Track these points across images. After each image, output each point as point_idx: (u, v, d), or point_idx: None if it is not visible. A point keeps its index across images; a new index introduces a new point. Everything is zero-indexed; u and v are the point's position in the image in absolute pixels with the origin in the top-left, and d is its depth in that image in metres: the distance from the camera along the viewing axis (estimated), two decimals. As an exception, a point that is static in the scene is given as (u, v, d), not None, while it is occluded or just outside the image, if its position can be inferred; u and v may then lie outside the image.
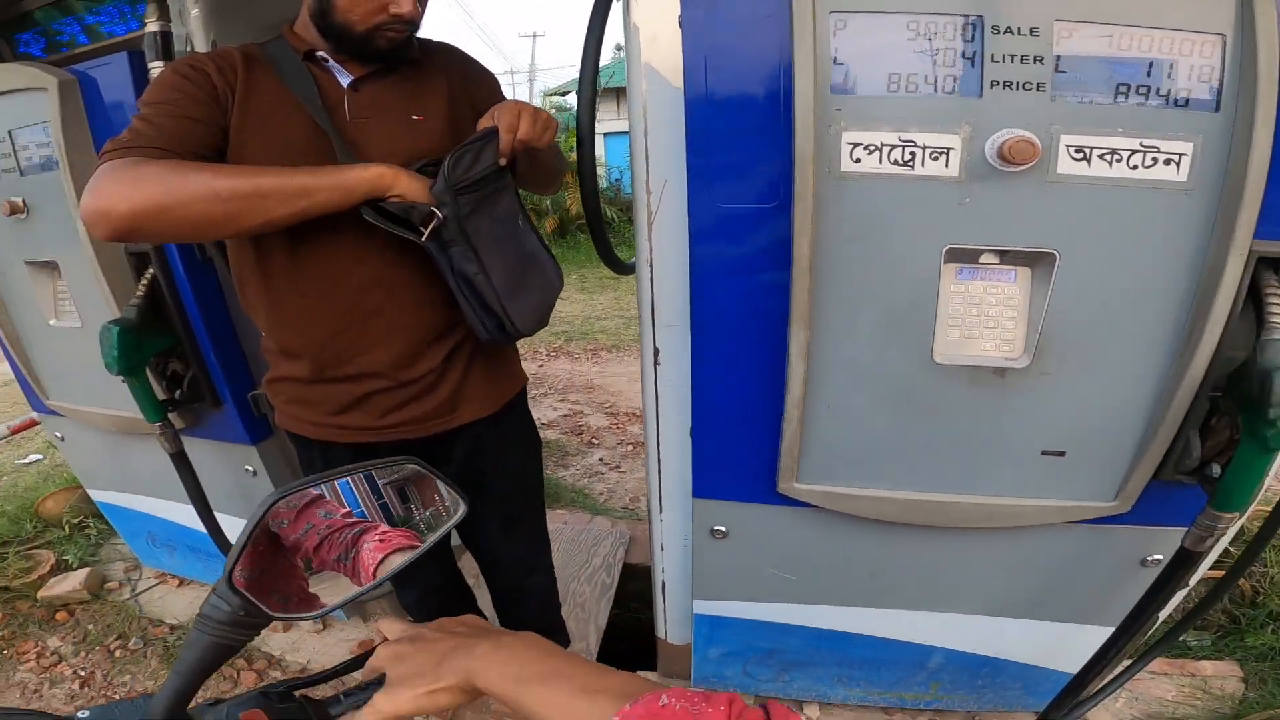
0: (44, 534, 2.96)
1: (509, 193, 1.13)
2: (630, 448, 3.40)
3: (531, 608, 1.72)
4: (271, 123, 1.08)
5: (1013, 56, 0.91)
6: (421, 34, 1.20)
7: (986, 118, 0.95)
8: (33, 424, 2.69)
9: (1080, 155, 0.97)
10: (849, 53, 0.93)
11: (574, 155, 1.33)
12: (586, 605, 2.25)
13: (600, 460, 3.31)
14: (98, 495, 2.44)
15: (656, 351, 1.28)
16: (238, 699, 0.58)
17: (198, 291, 1.60)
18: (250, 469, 1.83)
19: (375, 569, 0.59)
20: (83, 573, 2.63)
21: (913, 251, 1.06)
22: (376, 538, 0.59)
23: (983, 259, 1.10)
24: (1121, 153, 0.97)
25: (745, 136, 1.04)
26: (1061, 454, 1.22)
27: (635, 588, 2.37)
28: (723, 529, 1.39)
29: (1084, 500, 1.25)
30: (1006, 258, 1.09)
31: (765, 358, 1.16)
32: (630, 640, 2.20)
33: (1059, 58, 0.92)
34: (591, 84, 1.26)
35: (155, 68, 1.44)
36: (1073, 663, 1.43)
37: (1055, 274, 1.05)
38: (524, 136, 1.06)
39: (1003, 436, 1.22)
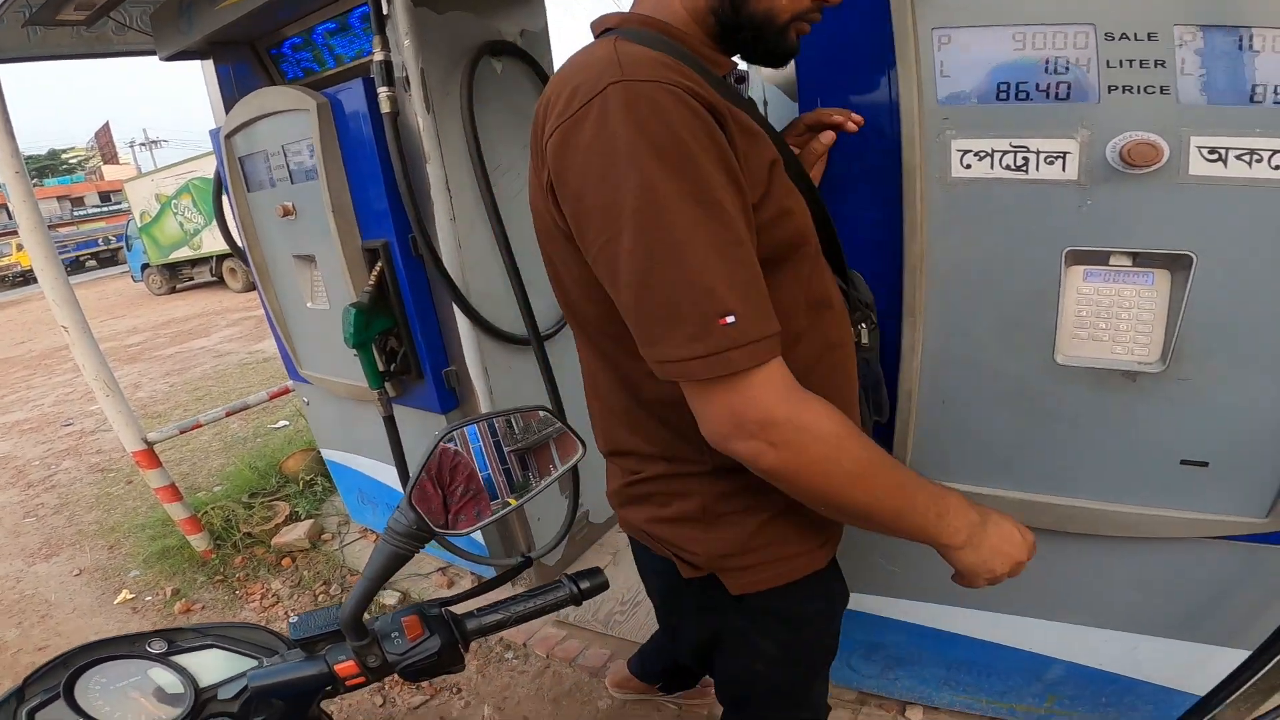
0: (284, 488, 3.58)
1: None
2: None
3: None
4: (765, 177, 0.74)
5: (1130, 61, 0.94)
6: None
7: (1106, 122, 0.98)
8: (286, 391, 3.31)
9: (1215, 156, 0.97)
10: (955, 65, 1.01)
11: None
12: None
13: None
14: (327, 454, 2.96)
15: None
16: (401, 610, 0.76)
17: (412, 282, 1.94)
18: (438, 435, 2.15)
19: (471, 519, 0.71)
20: (306, 524, 3.16)
21: (1029, 253, 1.09)
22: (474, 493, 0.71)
23: (1114, 261, 1.10)
24: (1262, 153, 0.95)
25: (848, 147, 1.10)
26: (1204, 464, 1.17)
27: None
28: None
29: (1229, 515, 1.19)
30: (1141, 260, 1.08)
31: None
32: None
33: (1183, 61, 0.93)
34: None
35: (383, 92, 1.72)
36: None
37: (1192, 277, 1.04)
38: None
39: (1136, 443, 1.19)
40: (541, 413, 0.74)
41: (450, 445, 0.68)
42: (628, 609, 2.35)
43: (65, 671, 0.72)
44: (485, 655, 2.28)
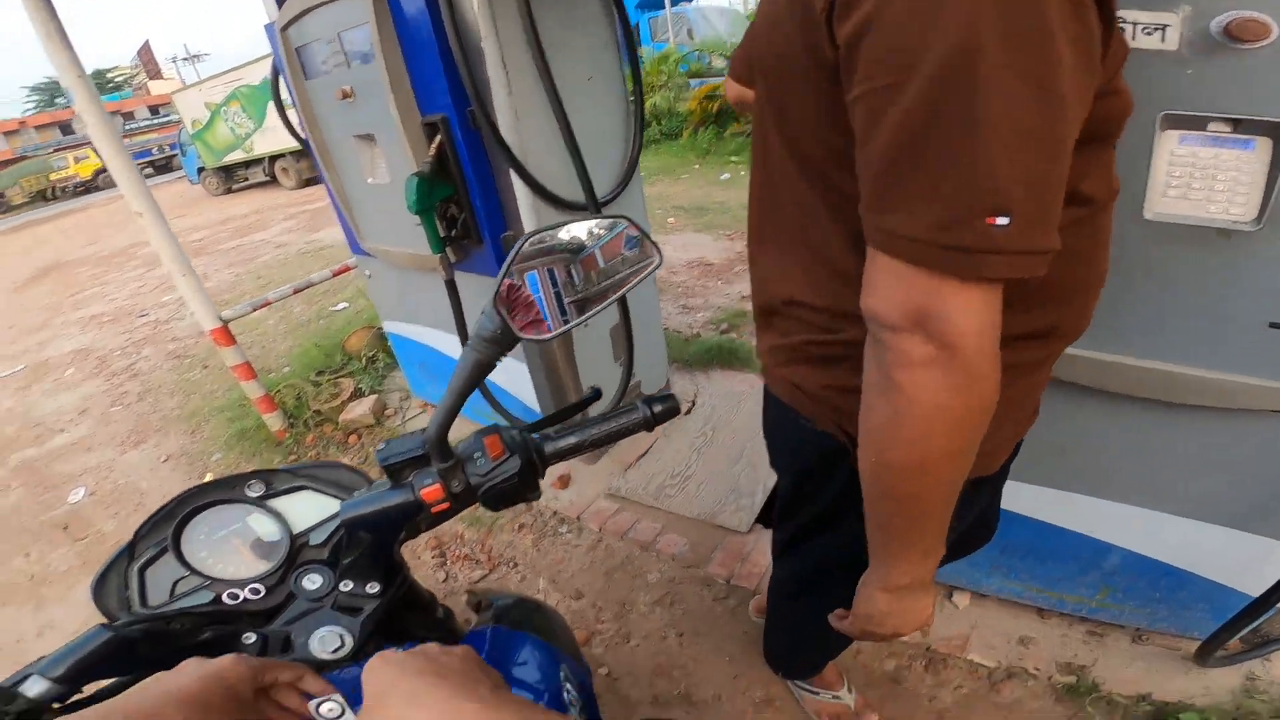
0: (347, 366, 3.73)
1: None
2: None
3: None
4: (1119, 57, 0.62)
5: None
6: None
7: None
8: (348, 269, 3.40)
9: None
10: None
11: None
12: (759, 466, 2.41)
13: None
14: (388, 326, 3.05)
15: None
16: (482, 430, 0.72)
17: (470, 153, 1.97)
18: (496, 298, 2.25)
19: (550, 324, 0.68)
20: (370, 400, 3.31)
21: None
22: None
23: (1212, 127, 1.05)
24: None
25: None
26: (1291, 329, 1.11)
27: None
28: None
29: (1319, 388, 1.13)
30: (1243, 126, 1.03)
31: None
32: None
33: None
34: None
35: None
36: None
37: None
38: None
39: (1223, 302, 1.14)
40: (624, 222, 0.70)
41: (535, 248, 0.65)
42: (678, 483, 2.43)
43: (171, 523, 0.73)
44: (540, 530, 2.40)
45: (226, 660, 0.55)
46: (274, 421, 3.20)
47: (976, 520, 1.11)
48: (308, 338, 4.34)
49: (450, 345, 2.66)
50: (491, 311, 0.63)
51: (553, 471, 2.46)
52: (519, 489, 0.70)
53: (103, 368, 5.08)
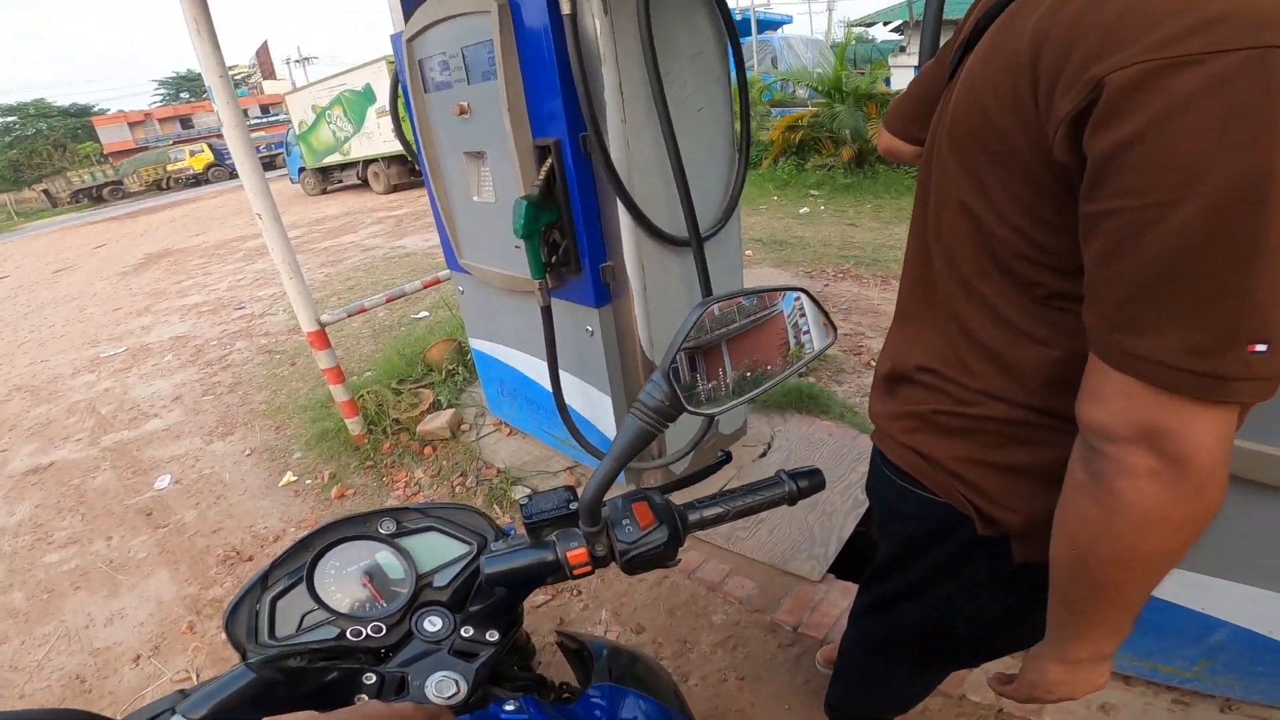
0: (427, 376, 3.80)
1: None
2: (912, 381, 3.38)
3: None
4: None
5: None
6: None
7: None
8: (438, 282, 3.50)
9: None
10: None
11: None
12: (834, 515, 2.36)
13: (876, 384, 3.33)
14: (474, 343, 3.11)
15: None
16: (628, 495, 0.72)
17: (579, 180, 2.00)
18: (589, 329, 2.25)
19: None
20: (448, 413, 3.36)
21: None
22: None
23: None
24: None
25: None
26: None
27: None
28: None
29: None
30: None
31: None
32: (865, 561, 2.21)
33: None
34: (936, 18, 1.22)
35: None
36: None
37: None
38: None
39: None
40: (800, 294, 0.69)
41: (709, 318, 0.64)
42: (750, 526, 2.39)
43: (307, 554, 0.75)
44: (605, 560, 2.37)
45: (408, 705, 0.58)
46: (355, 426, 3.29)
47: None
48: (390, 343, 4.48)
49: (532, 368, 2.69)
50: (660, 381, 0.61)
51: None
52: (660, 556, 0.70)
53: (198, 357, 5.34)
